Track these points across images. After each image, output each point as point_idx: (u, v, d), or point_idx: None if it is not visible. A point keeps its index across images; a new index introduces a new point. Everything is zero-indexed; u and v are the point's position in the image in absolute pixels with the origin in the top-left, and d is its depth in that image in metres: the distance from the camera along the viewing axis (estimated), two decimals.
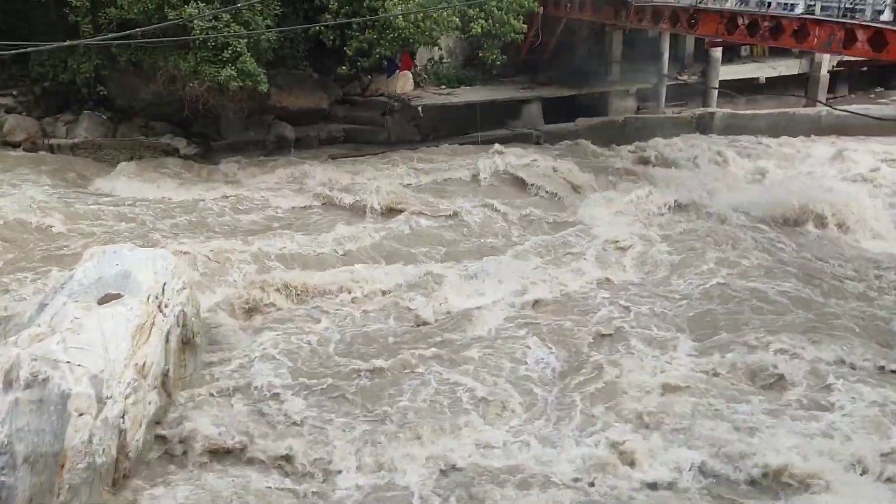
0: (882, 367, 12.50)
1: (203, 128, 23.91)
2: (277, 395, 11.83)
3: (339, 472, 10.27)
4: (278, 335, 13.48)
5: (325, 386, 12.13)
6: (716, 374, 12.46)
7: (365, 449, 10.63)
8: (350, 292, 14.96)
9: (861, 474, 10.08)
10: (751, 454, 10.29)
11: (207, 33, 19.70)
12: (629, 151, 24.51)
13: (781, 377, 12.29)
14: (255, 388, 11.95)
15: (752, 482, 10.07)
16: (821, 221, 18.48)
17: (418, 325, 14.13)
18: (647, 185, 20.65)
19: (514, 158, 22.08)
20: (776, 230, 18.26)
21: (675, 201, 19.64)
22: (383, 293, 15.07)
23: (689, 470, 10.18)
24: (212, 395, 11.76)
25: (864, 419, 11.14)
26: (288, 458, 10.44)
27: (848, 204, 18.79)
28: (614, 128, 26.31)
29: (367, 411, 11.57)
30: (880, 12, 15.55)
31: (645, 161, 23.75)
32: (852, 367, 12.55)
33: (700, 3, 20.00)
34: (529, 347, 13.18)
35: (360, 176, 21.25)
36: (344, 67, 23.17)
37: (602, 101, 27.21)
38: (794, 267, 16.35)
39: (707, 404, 11.57)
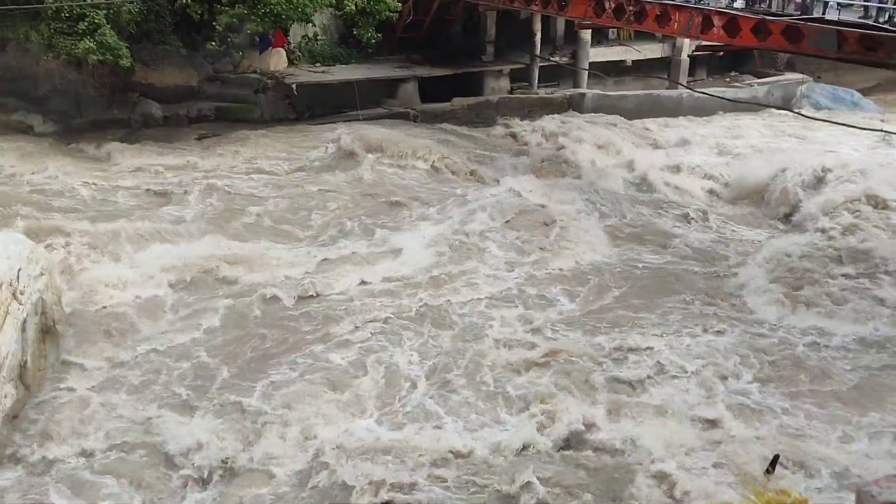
0: None
1: (61, 105, 22.49)
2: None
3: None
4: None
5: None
6: None
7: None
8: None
9: None
10: None
11: (61, 2, 18.51)
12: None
13: None
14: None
15: None
16: None
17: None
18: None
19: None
20: None
21: None
22: None
23: None
24: (73, 389, 11.16)
25: None
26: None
27: None
28: (489, 107, 26.70)
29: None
30: (734, 0, 16.48)
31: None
32: None
33: None
34: None
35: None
36: (213, 43, 22.38)
37: (477, 81, 27.51)
38: None
39: None
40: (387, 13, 23.72)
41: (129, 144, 21.04)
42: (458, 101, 26.37)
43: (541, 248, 16.46)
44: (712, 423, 11.07)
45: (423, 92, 26.35)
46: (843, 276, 15.20)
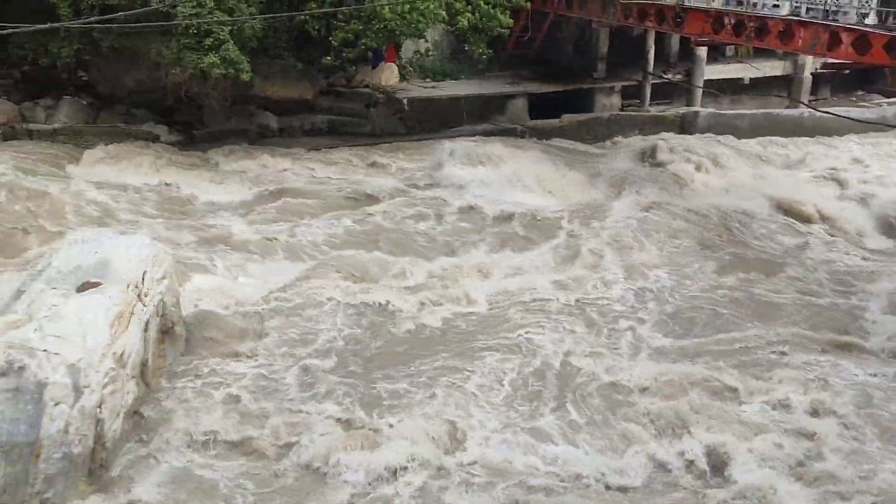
0: None
1: (186, 116, 23.65)
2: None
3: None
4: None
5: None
6: None
7: None
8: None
9: None
10: None
11: (191, 20, 19.47)
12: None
13: None
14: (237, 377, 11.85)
15: None
16: None
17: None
18: None
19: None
20: None
21: None
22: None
23: None
24: (192, 386, 11.61)
25: None
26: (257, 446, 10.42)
27: None
28: (599, 124, 26.36)
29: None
30: (865, 15, 15.67)
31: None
32: None
33: (686, 1, 20.06)
34: None
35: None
36: (329, 58, 23.01)
37: (588, 98, 27.21)
38: None
39: None
40: (499, 29, 23.82)
41: (247, 151, 22.13)
42: (568, 118, 26.14)
43: None
44: None
45: (533, 108, 26.28)
46: None
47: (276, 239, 16.83)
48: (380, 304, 14.14)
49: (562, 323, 13.93)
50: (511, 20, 24.30)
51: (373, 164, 22.25)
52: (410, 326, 13.69)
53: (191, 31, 19.67)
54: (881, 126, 25.48)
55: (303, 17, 22.09)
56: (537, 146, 23.35)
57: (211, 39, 19.85)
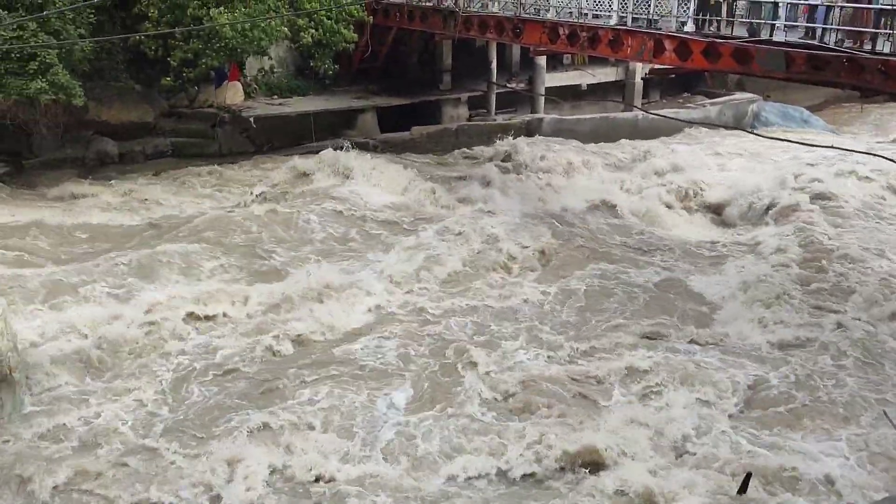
0: None
1: (13, 145, 22.03)
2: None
3: None
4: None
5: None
6: None
7: None
8: None
9: None
10: None
11: (11, 43, 18.21)
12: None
13: None
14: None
15: None
16: None
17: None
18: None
19: None
20: None
21: None
22: None
23: None
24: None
25: None
26: None
27: None
28: (448, 135, 26.84)
29: None
30: (684, 23, 16.82)
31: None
32: None
33: (523, 13, 20.77)
34: None
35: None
36: (168, 79, 22.16)
37: (436, 110, 27.66)
38: None
39: None
40: (343, 44, 23.78)
41: (79, 182, 21.00)
42: (418, 130, 26.46)
43: None
44: None
45: (383, 122, 26.40)
46: None
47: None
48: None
49: None
50: (355, 35, 24.31)
51: (216, 184, 21.80)
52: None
53: (12, 55, 18.40)
54: (707, 125, 27.51)
55: (137, 38, 21.17)
56: (389, 159, 23.44)
57: (36, 63, 18.65)
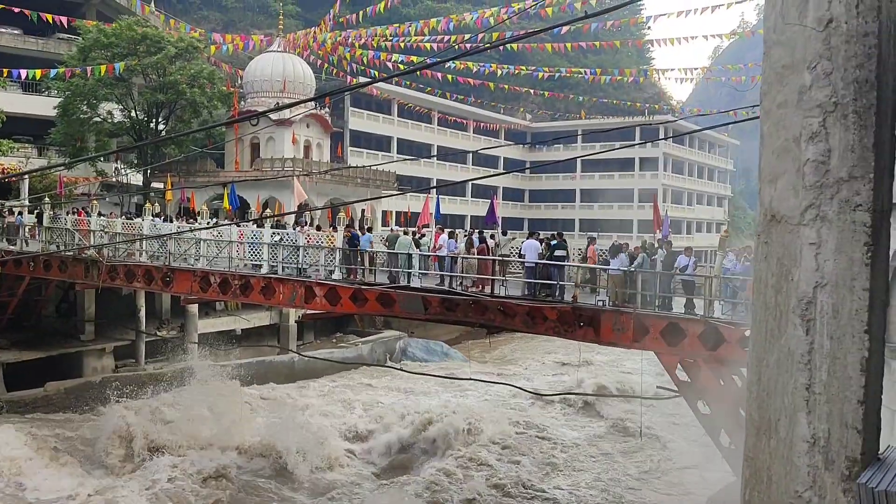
0: None
1: None
2: None
3: None
4: None
5: None
6: None
7: None
8: None
9: None
10: None
11: None
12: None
13: None
14: None
15: None
16: None
17: None
18: None
19: None
20: None
21: None
22: None
23: None
24: None
25: None
26: None
27: None
28: (91, 388, 24.59)
29: None
30: (332, 272, 18.00)
31: None
32: None
33: (173, 262, 20.60)
34: None
35: None
36: None
37: (76, 362, 25.47)
38: None
39: None
40: None
41: None
42: (53, 386, 23.94)
43: None
44: None
45: (11, 379, 23.49)
46: None
47: None
48: None
49: None
50: None
51: None
52: None
53: None
54: (360, 363, 28.85)
55: None
56: (14, 424, 20.47)
57: None
